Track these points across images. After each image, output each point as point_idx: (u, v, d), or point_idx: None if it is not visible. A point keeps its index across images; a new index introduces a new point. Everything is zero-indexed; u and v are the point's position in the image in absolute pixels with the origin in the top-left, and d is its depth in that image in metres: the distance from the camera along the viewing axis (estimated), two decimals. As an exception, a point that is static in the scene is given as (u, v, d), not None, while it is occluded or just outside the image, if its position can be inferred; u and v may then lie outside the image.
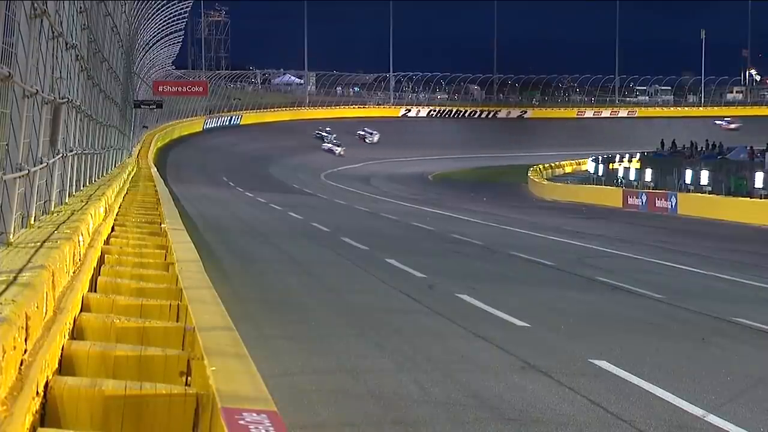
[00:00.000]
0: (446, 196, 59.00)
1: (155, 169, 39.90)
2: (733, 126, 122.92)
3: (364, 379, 10.27)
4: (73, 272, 7.45)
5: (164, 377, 5.32)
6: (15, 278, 5.49)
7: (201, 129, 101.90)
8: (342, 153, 68.12)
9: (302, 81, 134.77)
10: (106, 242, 10.67)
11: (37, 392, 4.51)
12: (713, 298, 17.73)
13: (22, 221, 8.36)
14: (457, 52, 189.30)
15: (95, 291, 7.67)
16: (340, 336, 12.71)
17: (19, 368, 4.46)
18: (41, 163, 9.20)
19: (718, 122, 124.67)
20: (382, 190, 63.42)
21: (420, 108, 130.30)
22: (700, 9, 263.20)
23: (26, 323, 4.71)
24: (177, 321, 6.73)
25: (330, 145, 76.14)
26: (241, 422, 3.83)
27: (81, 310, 6.69)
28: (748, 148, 69.30)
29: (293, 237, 28.14)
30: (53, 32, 9.75)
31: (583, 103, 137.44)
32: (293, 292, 16.90)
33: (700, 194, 47.85)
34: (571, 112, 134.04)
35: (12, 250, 6.99)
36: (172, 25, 58.86)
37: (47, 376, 4.80)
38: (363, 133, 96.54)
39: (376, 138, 78.07)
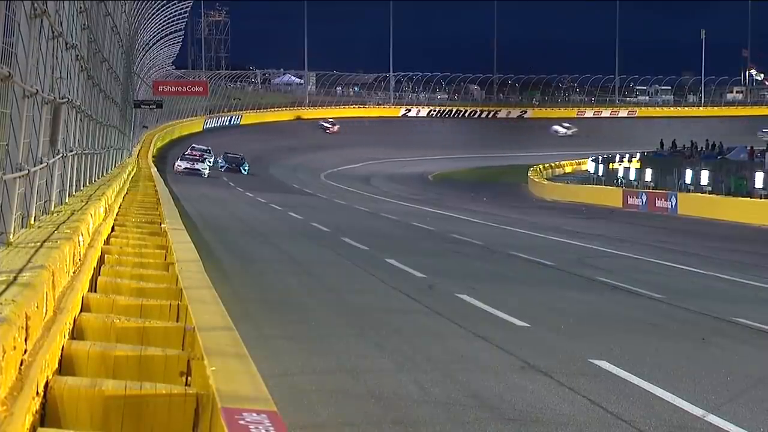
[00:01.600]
0: (446, 196, 59.01)
1: (155, 169, 39.92)
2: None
3: (364, 379, 10.26)
4: (73, 272, 7.45)
5: (164, 377, 5.32)
6: (15, 278, 5.49)
7: (201, 129, 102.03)
8: (207, 173, 63.22)
9: (302, 81, 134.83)
10: (106, 242, 10.68)
11: (37, 392, 4.51)
12: (713, 298, 17.73)
13: (22, 221, 8.36)
14: (457, 52, 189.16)
15: (95, 291, 7.67)
16: (340, 336, 12.69)
17: (19, 368, 4.46)
18: (41, 163, 9.21)
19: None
20: (382, 190, 63.43)
21: (420, 108, 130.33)
22: (700, 9, 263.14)
23: (26, 323, 4.71)
24: (177, 321, 6.73)
25: (185, 164, 67.31)
26: (241, 422, 3.83)
27: (81, 310, 6.69)
28: (748, 148, 69.35)
29: (293, 237, 28.12)
30: (53, 32, 9.76)
31: (583, 103, 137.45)
32: (293, 292, 16.88)
33: (700, 194, 47.88)
34: (571, 112, 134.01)
35: (12, 250, 6.99)
36: (172, 25, 58.89)
37: (47, 376, 4.80)
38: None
39: (182, 166, 67.59)
